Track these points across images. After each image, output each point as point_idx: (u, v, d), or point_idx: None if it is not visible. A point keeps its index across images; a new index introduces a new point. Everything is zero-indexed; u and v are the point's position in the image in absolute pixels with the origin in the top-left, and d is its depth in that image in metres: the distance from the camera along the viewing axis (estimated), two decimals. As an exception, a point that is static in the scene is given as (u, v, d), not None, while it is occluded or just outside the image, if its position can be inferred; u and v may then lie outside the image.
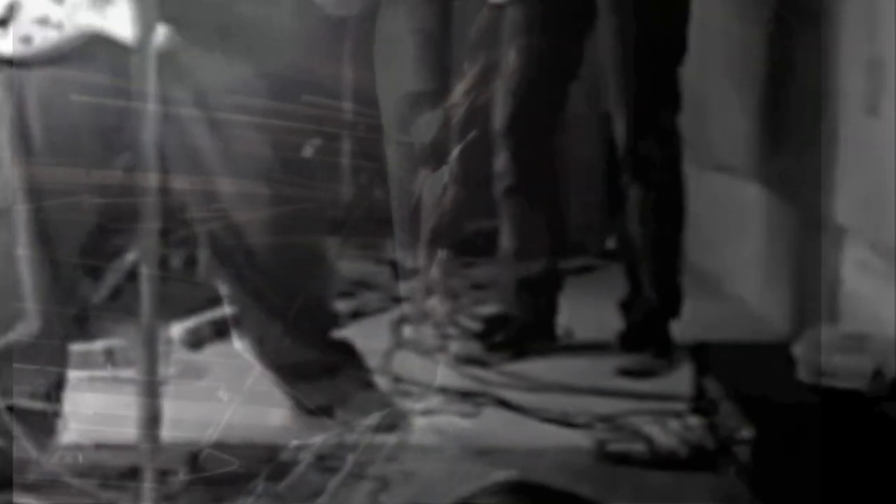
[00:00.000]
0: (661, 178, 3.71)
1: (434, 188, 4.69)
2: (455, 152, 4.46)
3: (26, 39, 2.69)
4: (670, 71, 3.67)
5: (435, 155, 4.55)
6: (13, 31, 2.69)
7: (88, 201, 2.78)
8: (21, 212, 2.74)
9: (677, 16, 3.64)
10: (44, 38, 2.70)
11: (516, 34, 3.70)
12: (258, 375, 3.10)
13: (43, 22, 2.69)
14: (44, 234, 2.76)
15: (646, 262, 3.76)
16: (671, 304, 3.77)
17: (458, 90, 4.02)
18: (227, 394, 3.15)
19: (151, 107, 2.32)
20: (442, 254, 4.63)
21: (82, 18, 2.69)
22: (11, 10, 2.67)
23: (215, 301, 3.79)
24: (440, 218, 4.70)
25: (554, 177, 3.91)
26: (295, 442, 2.93)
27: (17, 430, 2.72)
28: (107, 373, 3.37)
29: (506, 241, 3.89)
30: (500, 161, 3.81)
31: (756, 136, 4.21)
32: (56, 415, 2.84)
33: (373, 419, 3.05)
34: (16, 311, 2.77)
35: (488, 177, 4.54)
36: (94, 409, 2.99)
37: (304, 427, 3.03)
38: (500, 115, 3.80)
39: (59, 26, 2.70)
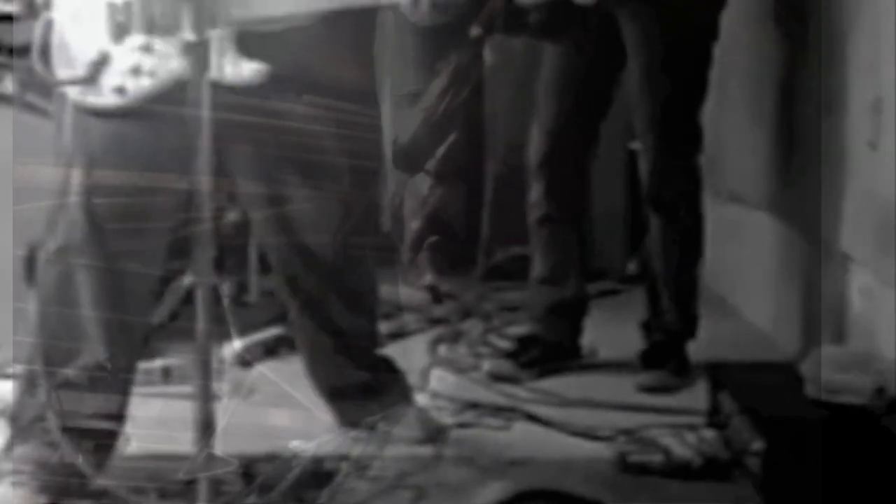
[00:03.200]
0: (681, 210, 3.77)
1: (417, 190, 4.71)
2: (439, 154, 4.54)
3: (120, 90, 2.65)
4: (693, 111, 3.72)
5: (414, 157, 4.63)
6: (106, 83, 2.66)
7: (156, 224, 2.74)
8: (89, 241, 2.71)
9: (700, 60, 3.68)
10: (137, 87, 2.66)
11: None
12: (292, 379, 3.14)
13: (136, 72, 2.66)
14: (111, 259, 2.72)
15: (665, 288, 3.81)
16: (688, 325, 3.84)
17: (434, 90, 4.04)
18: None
19: (205, 113, 2.32)
20: (428, 254, 4.72)
21: (174, 65, 2.63)
22: (99, 64, 2.64)
23: (265, 323, 3.91)
24: (425, 219, 4.72)
25: (584, 208, 3.96)
26: (337, 453, 2.99)
27: (78, 448, 2.72)
28: (163, 389, 3.43)
29: (538, 266, 3.92)
30: (535, 192, 3.87)
31: (768, 169, 4.24)
32: (116, 434, 2.82)
33: (412, 433, 3.11)
34: (82, 338, 2.73)
35: (472, 181, 4.60)
36: (151, 422, 3.03)
37: (346, 439, 3.06)
38: (535, 151, 3.84)
39: (151, 74, 2.65)
